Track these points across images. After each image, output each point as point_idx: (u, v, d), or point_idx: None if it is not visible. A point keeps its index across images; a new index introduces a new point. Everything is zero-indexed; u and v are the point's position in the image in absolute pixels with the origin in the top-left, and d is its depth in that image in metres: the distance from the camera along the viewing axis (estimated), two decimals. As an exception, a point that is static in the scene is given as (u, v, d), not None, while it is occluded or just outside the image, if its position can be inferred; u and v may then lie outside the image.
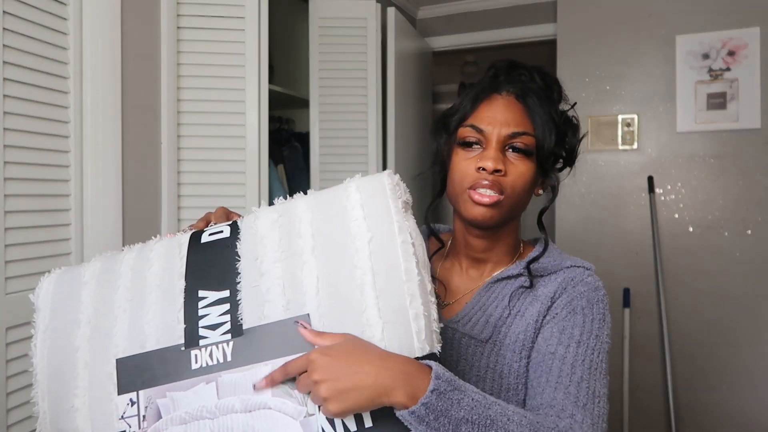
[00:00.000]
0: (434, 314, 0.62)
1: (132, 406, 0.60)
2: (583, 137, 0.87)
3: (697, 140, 2.46)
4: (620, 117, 2.58)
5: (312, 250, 0.61)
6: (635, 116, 2.56)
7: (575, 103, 0.85)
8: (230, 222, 0.68)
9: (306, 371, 0.57)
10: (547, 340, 0.75)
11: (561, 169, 0.87)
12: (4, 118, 1.13)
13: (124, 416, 0.60)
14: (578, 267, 0.82)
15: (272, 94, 2.07)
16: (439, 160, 0.87)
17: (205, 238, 0.66)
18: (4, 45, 1.12)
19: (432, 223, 0.95)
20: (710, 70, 2.42)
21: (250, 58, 1.71)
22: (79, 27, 1.31)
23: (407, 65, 2.69)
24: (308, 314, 0.59)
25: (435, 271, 0.90)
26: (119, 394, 0.60)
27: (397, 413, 0.58)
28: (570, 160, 0.87)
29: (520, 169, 0.78)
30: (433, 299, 0.63)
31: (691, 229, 2.47)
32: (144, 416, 0.60)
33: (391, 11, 2.44)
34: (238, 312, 0.61)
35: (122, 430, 0.60)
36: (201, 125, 1.67)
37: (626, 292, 2.55)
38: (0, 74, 1.12)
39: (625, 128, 2.58)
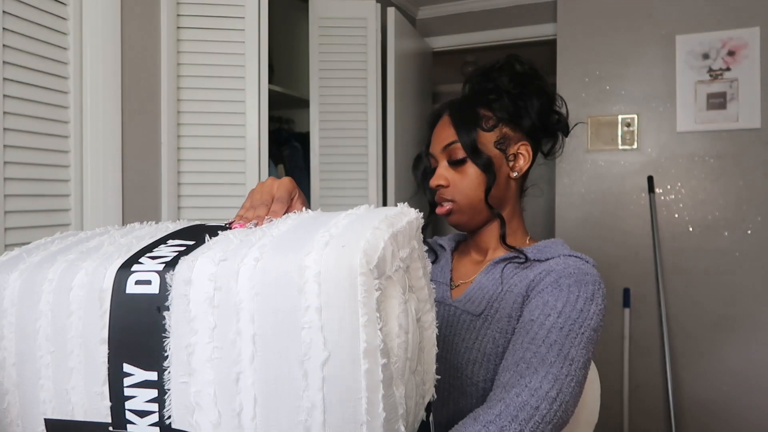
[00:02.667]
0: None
1: None
2: (561, 104, 0.95)
3: (697, 140, 2.46)
4: (620, 117, 2.58)
5: (251, 359, 0.47)
6: (635, 116, 2.56)
7: (535, 70, 0.93)
8: (161, 267, 0.52)
9: None
10: (531, 311, 0.79)
11: (552, 134, 0.94)
12: (4, 118, 1.13)
13: None
14: (576, 257, 0.85)
15: (272, 94, 2.07)
16: (422, 187, 0.99)
17: (131, 286, 0.51)
18: (4, 45, 1.12)
19: (432, 235, 1.05)
20: (710, 70, 2.42)
21: (250, 58, 1.71)
22: (79, 27, 1.31)
23: (407, 65, 2.69)
24: None
25: (454, 259, 1.02)
26: None
27: None
28: (548, 127, 0.93)
29: (460, 174, 0.90)
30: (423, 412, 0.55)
31: (691, 229, 2.47)
32: None
33: (391, 11, 2.45)
34: (166, 407, 0.50)
35: None
36: (201, 125, 1.67)
37: (626, 292, 2.55)
38: (0, 74, 1.12)
39: (625, 128, 2.58)
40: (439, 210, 0.92)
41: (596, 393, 1.09)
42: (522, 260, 0.87)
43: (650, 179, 2.51)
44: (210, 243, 0.53)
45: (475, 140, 0.88)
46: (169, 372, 0.49)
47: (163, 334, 0.49)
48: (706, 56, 2.42)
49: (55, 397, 0.52)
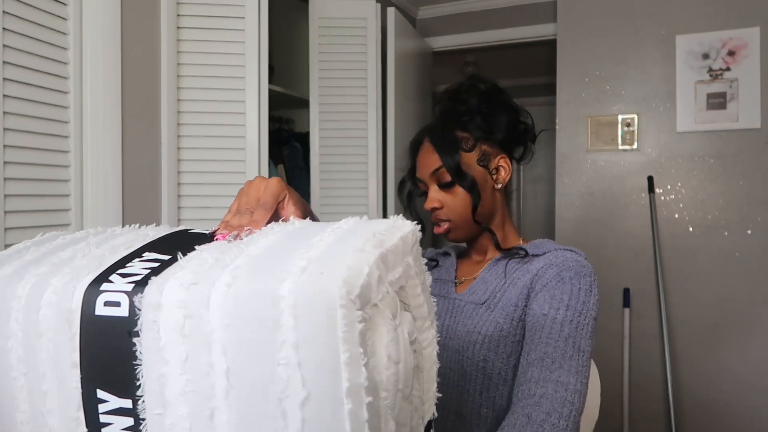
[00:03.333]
0: None
1: None
2: (521, 110, 1.01)
3: (697, 140, 2.46)
4: (620, 117, 2.58)
5: (225, 394, 0.44)
6: (635, 116, 2.56)
7: (494, 83, 1.00)
8: (130, 288, 0.49)
9: None
10: (541, 306, 0.87)
11: (522, 141, 1.02)
12: (4, 118, 1.13)
13: None
14: (569, 251, 0.94)
15: (272, 94, 2.07)
16: (410, 208, 1.06)
17: (100, 308, 0.48)
18: (4, 45, 1.12)
19: (429, 244, 1.09)
20: (710, 70, 2.42)
21: (250, 58, 1.71)
22: (79, 27, 1.31)
23: (407, 65, 2.69)
24: None
25: (458, 261, 1.09)
26: None
27: None
28: (516, 135, 1.00)
29: (451, 196, 0.97)
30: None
31: (691, 229, 2.47)
32: None
33: (391, 11, 2.44)
34: None
35: None
36: (201, 125, 1.68)
37: (626, 292, 2.55)
38: (0, 74, 1.12)
39: (625, 128, 2.58)
40: (437, 230, 0.99)
41: (597, 389, 1.10)
42: (522, 254, 0.96)
43: (650, 179, 2.51)
44: (182, 262, 0.49)
45: (459, 163, 0.95)
46: (143, 401, 0.46)
47: (135, 362, 0.46)
48: (706, 56, 2.42)
49: (32, 419, 0.49)
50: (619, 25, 2.57)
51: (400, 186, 1.08)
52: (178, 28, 1.63)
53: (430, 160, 0.97)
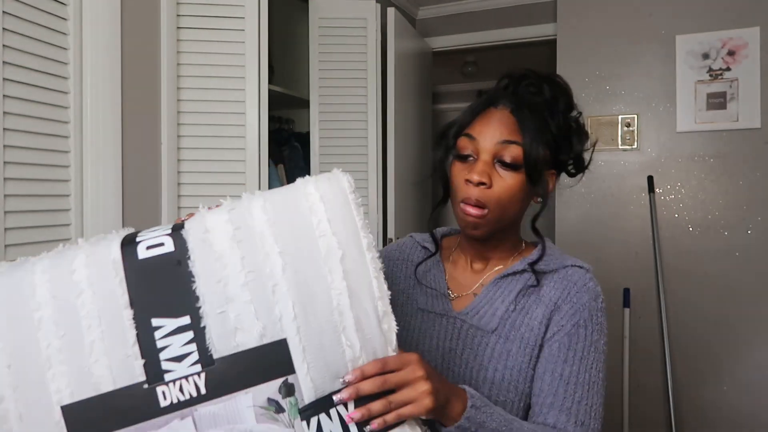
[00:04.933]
0: (393, 323, 0.62)
1: None
2: (594, 144, 0.94)
3: (697, 140, 2.46)
4: (620, 117, 2.58)
5: (282, 270, 0.57)
6: (635, 116, 2.56)
7: (581, 113, 0.89)
8: (169, 231, 0.59)
9: (400, 369, 0.61)
10: (554, 356, 0.81)
11: (574, 175, 0.93)
12: (4, 118, 1.13)
13: None
14: (578, 267, 0.86)
15: (272, 94, 2.07)
16: (440, 169, 0.90)
17: (142, 252, 0.57)
18: (4, 45, 1.12)
19: (434, 228, 0.99)
20: (710, 70, 2.42)
21: (250, 58, 1.71)
22: (79, 27, 1.31)
23: (407, 65, 2.69)
24: (285, 339, 0.57)
25: (444, 266, 0.95)
26: None
27: (444, 430, 0.68)
28: (579, 167, 0.92)
29: (507, 182, 0.81)
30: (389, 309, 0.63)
31: (691, 229, 2.47)
32: None
33: (391, 11, 2.44)
34: (207, 341, 0.55)
35: None
36: (201, 125, 1.68)
37: (626, 292, 2.55)
38: (0, 74, 1.12)
39: (625, 128, 2.58)
40: (468, 210, 0.81)
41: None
42: (534, 284, 0.85)
43: (650, 179, 2.51)
44: (203, 211, 0.61)
45: (540, 156, 0.80)
46: (203, 310, 0.56)
47: (189, 281, 0.56)
48: (706, 56, 2.42)
49: (75, 379, 0.53)
50: (619, 25, 2.57)
51: (441, 136, 0.89)
52: (178, 28, 1.63)
53: (503, 129, 0.81)
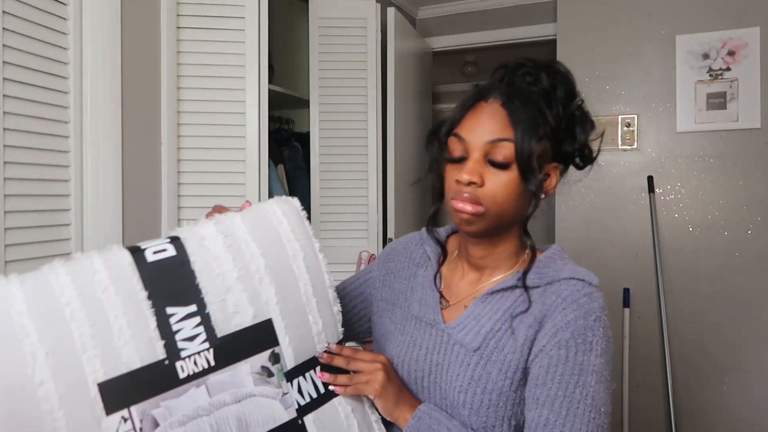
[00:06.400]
0: (339, 307, 0.83)
1: (125, 422, 0.63)
2: (603, 134, 0.87)
3: (697, 140, 2.46)
4: (620, 117, 2.58)
5: (265, 267, 0.74)
6: (635, 116, 2.56)
7: (583, 100, 0.84)
8: (168, 240, 0.71)
9: (368, 361, 0.81)
10: (534, 379, 0.75)
11: (582, 167, 0.86)
12: (4, 118, 1.13)
13: None
14: (576, 280, 0.79)
15: (272, 94, 2.07)
16: (435, 169, 0.87)
17: (150, 256, 0.69)
18: (4, 45, 1.12)
19: (434, 229, 0.95)
20: (710, 70, 2.42)
21: (250, 58, 1.71)
22: (79, 27, 1.31)
23: (407, 65, 2.69)
24: (271, 318, 0.74)
25: (441, 273, 0.92)
26: (108, 414, 0.62)
27: None
28: (586, 158, 0.85)
29: (500, 179, 0.77)
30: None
31: (691, 229, 2.47)
32: (140, 428, 0.63)
33: (391, 11, 2.44)
34: (212, 323, 0.70)
35: None
36: (201, 125, 1.68)
37: (626, 292, 2.55)
38: (0, 74, 1.12)
39: (625, 128, 2.58)
40: (460, 207, 0.78)
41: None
42: (523, 309, 0.80)
43: (650, 179, 2.51)
44: (191, 225, 0.75)
45: (533, 151, 0.76)
46: (206, 299, 0.70)
47: (193, 276, 0.70)
48: (706, 56, 2.42)
49: (107, 360, 0.63)
50: (619, 25, 2.57)
51: (432, 135, 0.86)
52: (178, 28, 1.63)
53: (494, 125, 0.77)
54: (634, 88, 2.55)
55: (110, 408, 0.62)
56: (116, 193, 1.41)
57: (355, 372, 0.80)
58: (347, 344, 0.85)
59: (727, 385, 2.40)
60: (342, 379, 0.79)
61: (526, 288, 0.81)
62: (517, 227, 0.84)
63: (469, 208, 0.77)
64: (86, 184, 1.33)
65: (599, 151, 0.85)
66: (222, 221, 0.75)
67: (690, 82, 2.44)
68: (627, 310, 2.54)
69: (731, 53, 2.38)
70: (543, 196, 0.81)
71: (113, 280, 0.65)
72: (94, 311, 0.63)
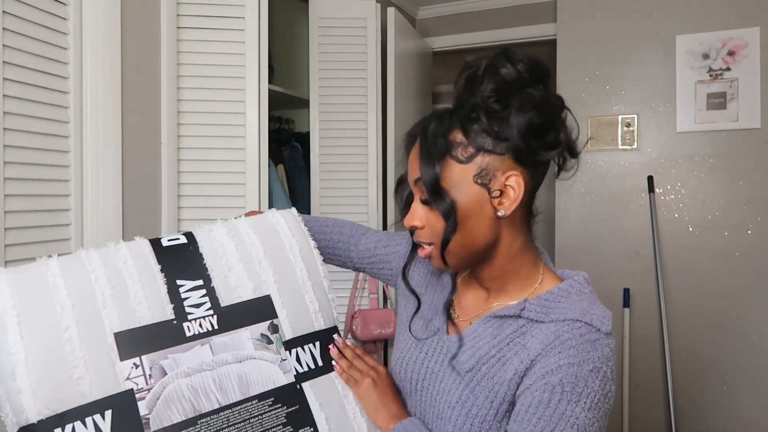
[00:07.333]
0: (333, 296, 0.92)
1: (136, 368, 0.73)
2: (563, 108, 0.77)
3: (697, 140, 2.46)
4: (620, 117, 2.58)
5: (264, 253, 0.87)
6: (635, 116, 2.56)
7: (532, 68, 0.75)
8: (182, 233, 0.87)
9: (369, 365, 0.88)
10: (515, 414, 0.72)
11: (561, 156, 0.76)
12: (4, 118, 1.13)
13: (130, 377, 0.72)
14: (582, 323, 0.72)
15: (272, 94, 2.07)
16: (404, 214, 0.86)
17: (165, 242, 0.84)
18: (4, 45, 1.12)
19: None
20: (710, 70, 2.42)
21: (250, 58, 1.71)
22: (79, 27, 1.31)
23: (407, 65, 2.69)
24: (269, 294, 0.84)
25: (458, 281, 0.90)
26: (122, 360, 0.72)
27: None
28: (536, 152, 0.73)
29: (434, 215, 0.75)
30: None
31: (691, 229, 2.47)
32: (150, 375, 0.73)
33: (391, 11, 2.44)
34: (216, 295, 0.81)
35: (129, 388, 0.71)
36: (201, 125, 1.68)
37: (626, 292, 2.55)
38: (0, 74, 1.12)
39: (625, 128, 2.58)
40: (421, 252, 0.79)
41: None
42: (525, 337, 0.76)
43: (650, 179, 2.51)
44: (204, 225, 0.91)
45: (438, 177, 0.72)
46: (211, 276, 0.82)
47: (201, 257, 0.83)
48: (706, 56, 2.42)
49: (123, 314, 0.74)
50: (619, 25, 2.57)
51: (398, 185, 0.85)
52: (178, 28, 1.63)
53: (414, 165, 0.76)
54: (634, 88, 2.55)
55: (124, 355, 0.72)
56: (116, 193, 1.41)
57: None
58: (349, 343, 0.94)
59: (728, 385, 2.40)
60: (343, 363, 0.88)
61: (525, 318, 0.77)
62: (515, 250, 0.78)
63: (424, 252, 0.79)
64: (86, 184, 1.33)
65: (575, 141, 0.76)
66: (228, 221, 0.90)
67: (690, 82, 2.44)
68: (627, 310, 2.54)
69: (731, 53, 2.38)
70: (503, 213, 0.73)
71: (132, 256, 0.79)
72: (114, 276, 0.76)
